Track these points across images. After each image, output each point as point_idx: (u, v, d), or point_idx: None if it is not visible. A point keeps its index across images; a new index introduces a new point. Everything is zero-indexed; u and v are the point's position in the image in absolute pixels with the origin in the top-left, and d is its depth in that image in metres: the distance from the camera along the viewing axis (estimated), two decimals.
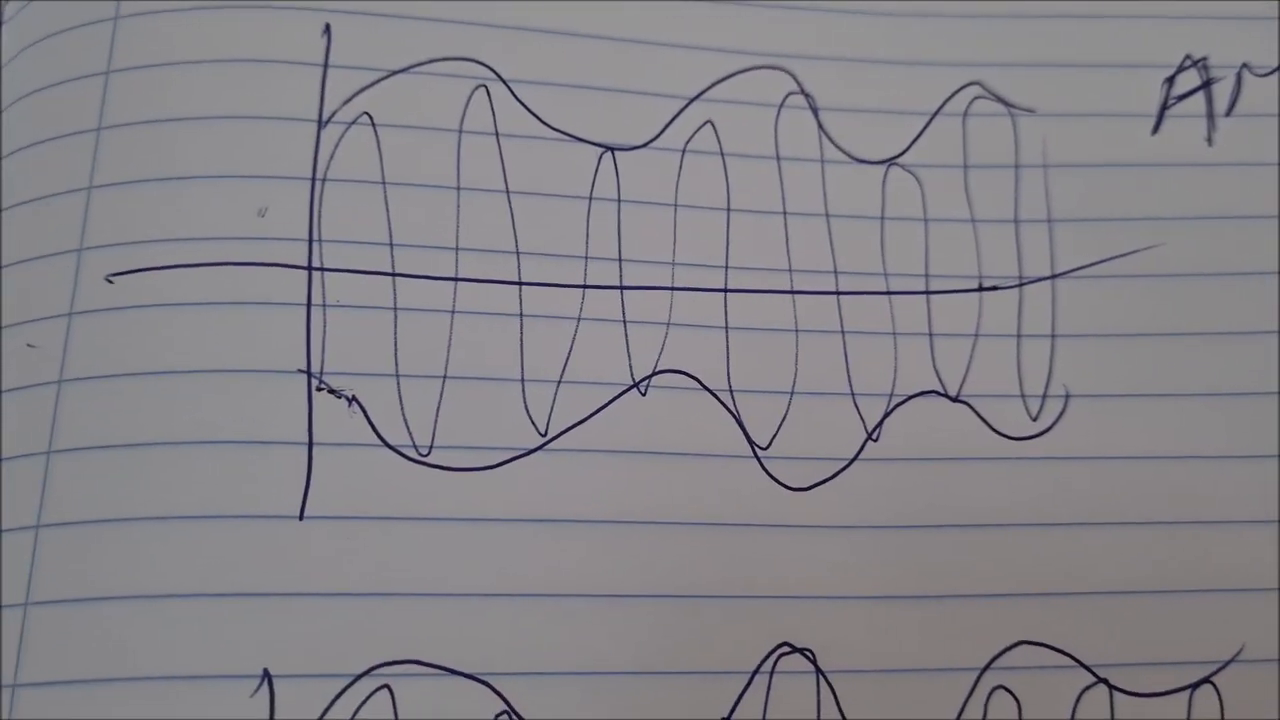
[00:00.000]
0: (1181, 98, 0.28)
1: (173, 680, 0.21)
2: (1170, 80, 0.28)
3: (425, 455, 0.23)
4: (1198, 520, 0.25)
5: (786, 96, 0.27)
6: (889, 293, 0.26)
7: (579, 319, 0.25)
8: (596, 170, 0.26)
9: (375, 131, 0.25)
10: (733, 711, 0.23)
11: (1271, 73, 0.28)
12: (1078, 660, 0.24)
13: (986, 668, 0.24)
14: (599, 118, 0.26)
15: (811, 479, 0.24)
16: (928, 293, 0.26)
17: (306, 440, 0.23)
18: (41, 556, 0.22)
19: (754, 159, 0.27)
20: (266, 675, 0.22)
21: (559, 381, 0.24)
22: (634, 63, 0.27)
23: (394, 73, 0.26)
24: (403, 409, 0.24)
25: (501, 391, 0.24)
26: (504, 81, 0.26)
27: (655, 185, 0.26)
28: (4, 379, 0.24)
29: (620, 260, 0.25)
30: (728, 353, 0.25)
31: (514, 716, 0.22)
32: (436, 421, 0.24)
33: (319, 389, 0.23)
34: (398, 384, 0.24)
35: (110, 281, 0.24)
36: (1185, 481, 0.25)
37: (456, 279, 0.25)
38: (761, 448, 0.24)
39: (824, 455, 0.25)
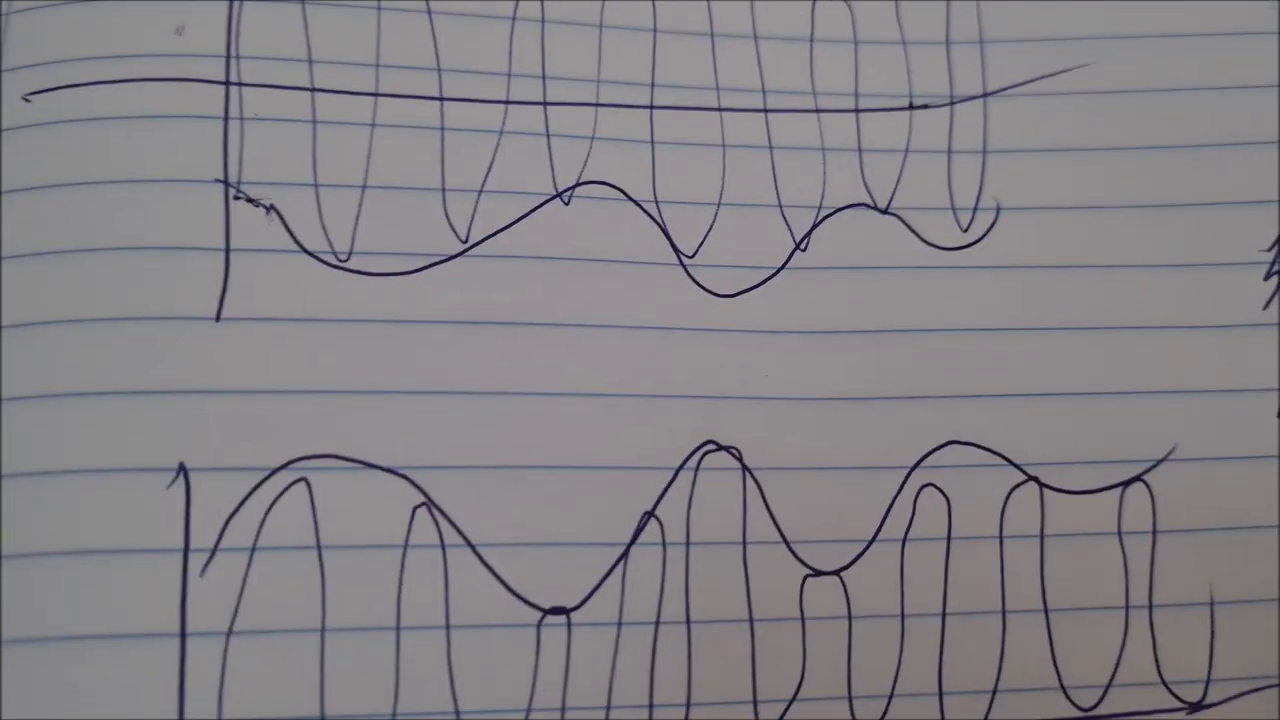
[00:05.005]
0: None
1: (88, 473, 0.21)
2: None
3: (344, 261, 0.23)
4: (1129, 325, 0.25)
5: None
6: (817, 110, 0.26)
7: (501, 132, 0.25)
8: None
9: None
10: (656, 505, 0.23)
11: None
12: (1007, 459, 0.24)
13: (915, 467, 0.23)
14: None
15: (739, 286, 0.24)
16: (857, 110, 0.26)
17: (224, 246, 0.23)
18: None
19: None
20: (182, 468, 0.22)
21: (480, 191, 0.24)
22: None
23: None
24: (321, 218, 0.23)
25: (422, 201, 0.24)
26: None
27: (580, 4, 0.26)
28: None
29: (544, 78, 0.25)
30: (653, 166, 0.25)
31: (433, 508, 0.22)
32: (356, 229, 0.23)
33: (236, 198, 0.23)
34: (316, 194, 0.24)
35: (28, 100, 0.24)
36: (1116, 289, 0.25)
37: (376, 94, 0.24)
38: (688, 256, 0.24)
39: (752, 264, 0.24)
